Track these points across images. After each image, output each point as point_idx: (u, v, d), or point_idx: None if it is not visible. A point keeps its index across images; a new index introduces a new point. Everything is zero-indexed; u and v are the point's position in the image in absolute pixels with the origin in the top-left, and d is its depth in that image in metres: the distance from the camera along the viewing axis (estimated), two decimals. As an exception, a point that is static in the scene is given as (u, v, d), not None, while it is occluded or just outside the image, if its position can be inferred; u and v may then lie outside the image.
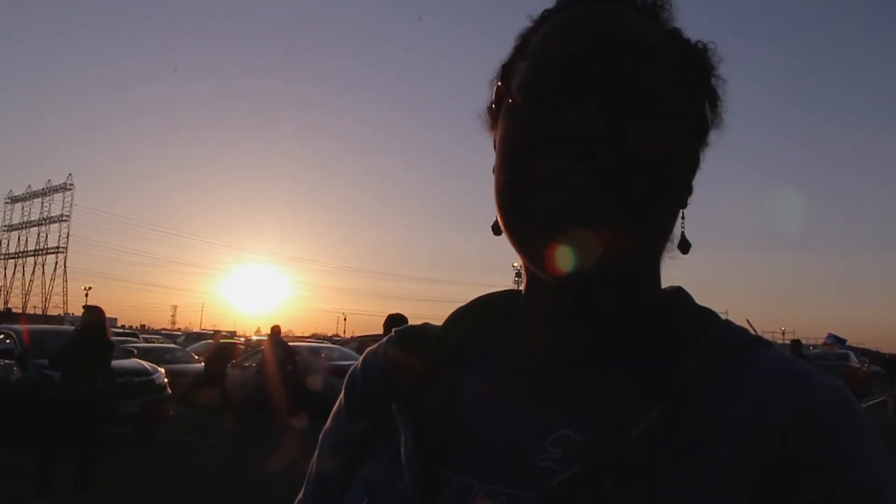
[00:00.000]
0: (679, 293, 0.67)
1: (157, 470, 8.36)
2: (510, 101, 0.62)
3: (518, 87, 0.62)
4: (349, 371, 0.77)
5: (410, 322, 0.95)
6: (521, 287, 0.70)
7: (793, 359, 0.58)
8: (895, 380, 24.65)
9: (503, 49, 0.68)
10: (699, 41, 0.67)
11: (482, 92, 0.70)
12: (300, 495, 0.75)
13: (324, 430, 0.76)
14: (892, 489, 0.51)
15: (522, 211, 0.59)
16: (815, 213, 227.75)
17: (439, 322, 0.77)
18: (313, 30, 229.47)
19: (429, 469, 0.60)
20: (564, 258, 0.56)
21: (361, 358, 0.77)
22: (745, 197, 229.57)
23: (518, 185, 0.59)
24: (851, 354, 28.96)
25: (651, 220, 0.58)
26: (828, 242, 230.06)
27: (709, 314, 0.65)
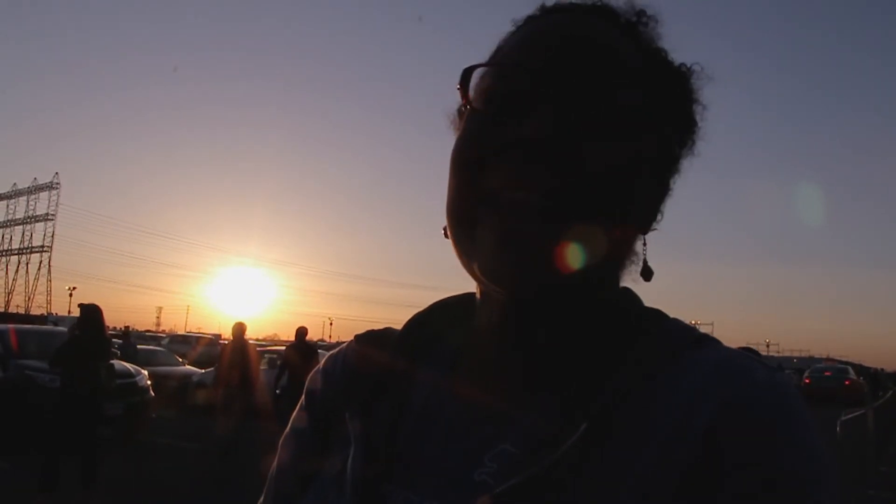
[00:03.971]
0: (626, 294, 0.66)
1: (138, 472, 8.26)
2: (467, 106, 0.62)
3: (480, 91, 0.61)
4: (310, 375, 0.76)
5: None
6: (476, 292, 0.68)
7: (734, 355, 0.56)
8: (878, 393, 25.04)
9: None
10: (682, 64, 0.65)
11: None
12: (260, 500, 0.74)
13: (284, 435, 0.75)
14: (821, 489, 0.48)
15: (467, 223, 0.58)
16: (804, 227, 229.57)
17: None
18: (302, 34, 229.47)
19: (373, 484, 0.60)
20: (505, 274, 0.55)
21: (322, 362, 0.76)
22: (733, 209, 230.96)
23: (465, 195, 0.58)
24: (850, 369, 30.89)
25: (600, 239, 0.56)
26: (815, 257, 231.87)
27: (653, 314, 0.63)
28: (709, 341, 0.59)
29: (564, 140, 0.54)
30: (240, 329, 10.23)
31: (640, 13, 0.65)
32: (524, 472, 0.53)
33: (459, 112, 0.67)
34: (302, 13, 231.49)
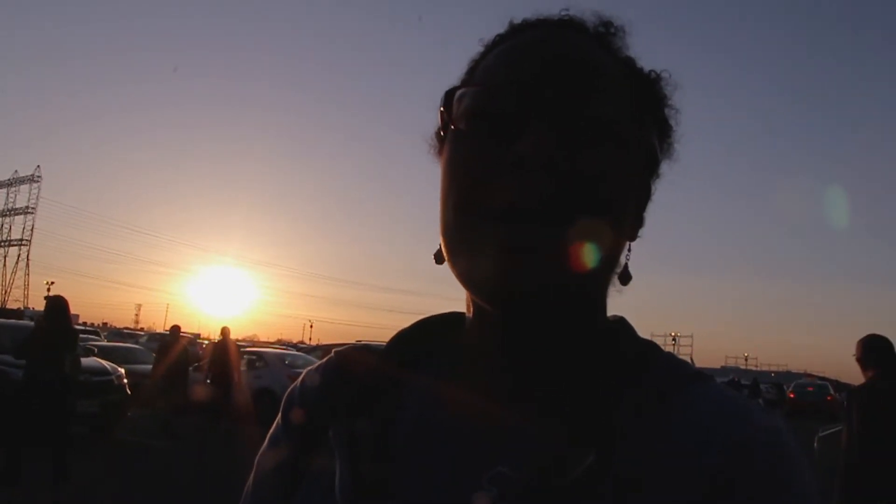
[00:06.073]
0: (621, 324, 0.66)
1: (112, 471, 8.20)
2: (454, 127, 0.61)
3: (465, 112, 0.60)
4: (288, 390, 0.74)
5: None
6: (466, 311, 0.67)
7: (732, 396, 0.58)
8: None
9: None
10: (652, 70, 0.67)
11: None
12: None
13: (260, 452, 0.73)
14: None
15: (469, 241, 0.57)
16: (784, 242, 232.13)
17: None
18: (287, 33, 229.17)
19: (365, 503, 0.59)
20: (511, 289, 0.55)
21: (301, 377, 0.75)
22: (713, 222, 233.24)
23: (465, 214, 0.58)
24: (829, 386, 33.13)
25: (600, 248, 0.57)
26: (794, 272, 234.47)
27: (651, 347, 0.64)
28: (705, 378, 0.60)
29: (562, 155, 0.55)
30: (175, 331, 12.86)
31: (608, 24, 0.66)
32: (528, 499, 0.52)
33: (438, 135, 0.67)
34: (288, 11, 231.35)
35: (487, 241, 0.55)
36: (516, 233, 0.54)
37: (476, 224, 0.57)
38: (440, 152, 0.65)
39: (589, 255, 0.56)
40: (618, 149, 0.58)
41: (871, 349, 3.99)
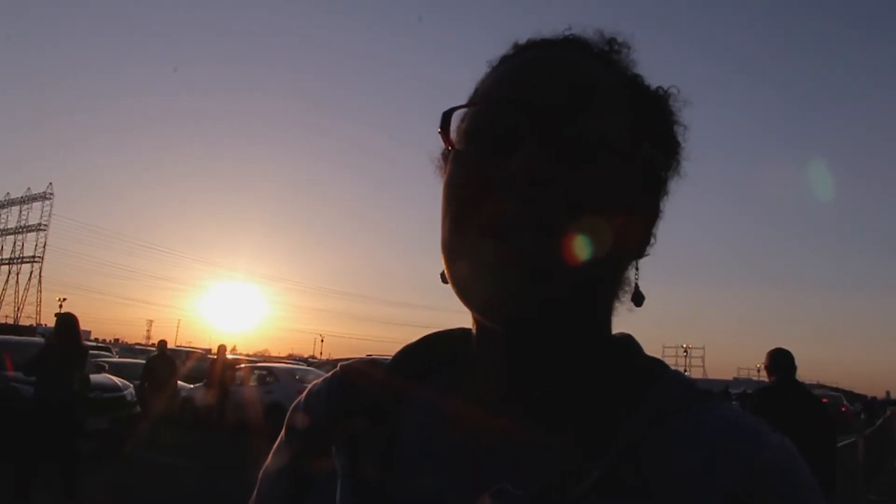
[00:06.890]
0: (628, 342, 0.65)
1: (122, 487, 8.17)
2: (450, 147, 0.61)
3: (462, 131, 0.61)
4: (292, 406, 0.74)
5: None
6: (472, 326, 0.67)
7: (742, 415, 0.57)
8: (875, 421, 25.35)
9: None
10: (660, 87, 0.66)
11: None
12: None
13: (264, 467, 0.73)
14: None
15: (463, 258, 0.57)
16: (795, 252, 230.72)
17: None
18: (293, 45, 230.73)
19: None
20: (507, 306, 0.55)
21: (305, 393, 0.74)
22: (723, 233, 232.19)
23: (460, 232, 0.58)
24: (842, 396, 33.29)
25: (596, 268, 0.56)
26: (806, 282, 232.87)
27: (658, 364, 0.63)
28: (713, 396, 0.59)
29: (555, 171, 0.55)
30: (162, 346, 13.42)
31: (612, 41, 0.66)
32: None
33: (444, 155, 0.67)
34: (297, 28, 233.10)
35: (478, 257, 0.56)
36: (507, 250, 0.54)
37: (469, 241, 0.57)
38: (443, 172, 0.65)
39: (582, 270, 0.55)
40: (614, 165, 0.58)
41: (773, 360, 5.01)
